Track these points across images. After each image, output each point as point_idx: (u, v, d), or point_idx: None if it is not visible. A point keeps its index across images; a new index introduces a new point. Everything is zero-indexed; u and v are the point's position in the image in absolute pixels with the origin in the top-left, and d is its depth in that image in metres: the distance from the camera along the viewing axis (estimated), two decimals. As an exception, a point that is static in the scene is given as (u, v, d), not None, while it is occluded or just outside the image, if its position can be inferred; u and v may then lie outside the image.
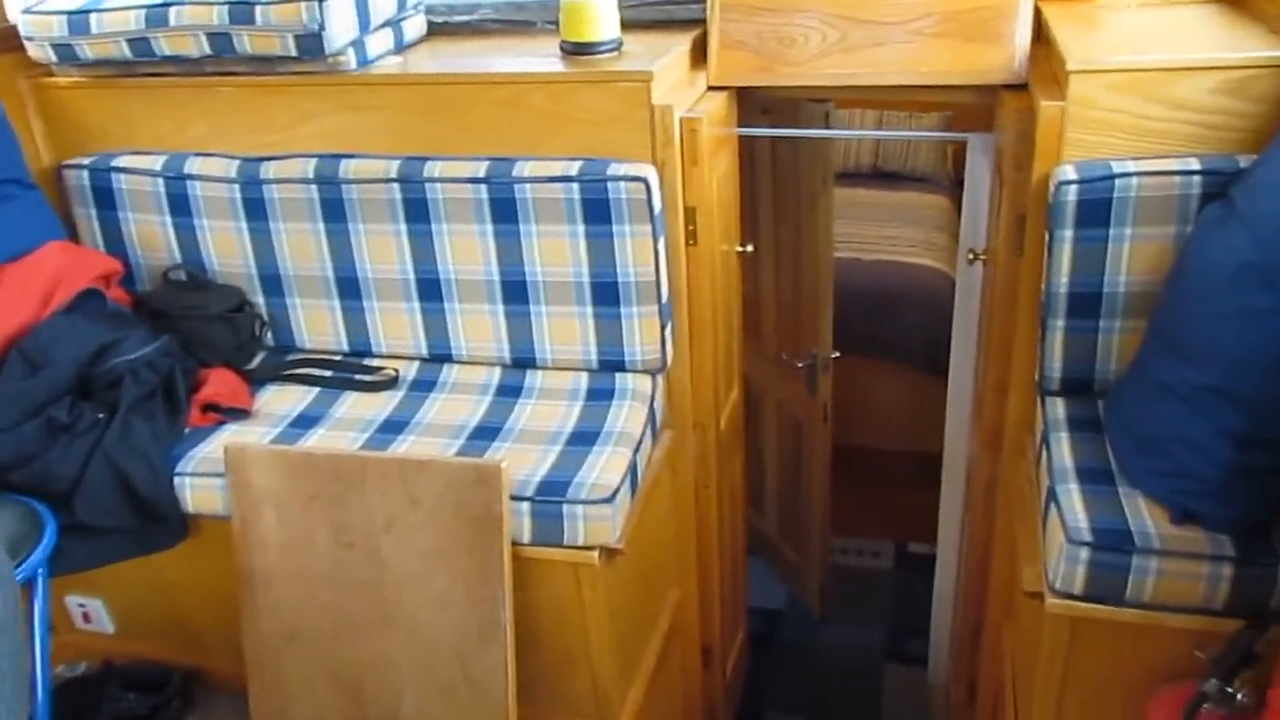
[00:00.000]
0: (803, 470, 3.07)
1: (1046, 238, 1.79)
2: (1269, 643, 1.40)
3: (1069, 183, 1.74)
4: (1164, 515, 1.57)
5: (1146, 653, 1.59)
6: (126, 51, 2.08)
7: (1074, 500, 1.62)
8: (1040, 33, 2.03)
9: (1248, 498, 1.52)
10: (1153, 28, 1.96)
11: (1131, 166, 1.72)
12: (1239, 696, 1.40)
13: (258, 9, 1.97)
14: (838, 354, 2.86)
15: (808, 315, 2.84)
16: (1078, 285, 1.79)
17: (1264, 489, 1.50)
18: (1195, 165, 1.70)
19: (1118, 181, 1.72)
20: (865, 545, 3.54)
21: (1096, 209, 1.73)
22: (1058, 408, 1.86)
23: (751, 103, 2.37)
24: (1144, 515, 1.57)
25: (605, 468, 1.83)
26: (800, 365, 2.87)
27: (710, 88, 2.15)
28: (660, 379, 2.11)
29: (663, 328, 2.04)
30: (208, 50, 2.05)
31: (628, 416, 1.98)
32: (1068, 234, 1.76)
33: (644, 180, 1.91)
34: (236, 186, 2.12)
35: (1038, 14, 2.05)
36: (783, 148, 2.73)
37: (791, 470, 3.13)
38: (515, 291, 2.07)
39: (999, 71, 2.00)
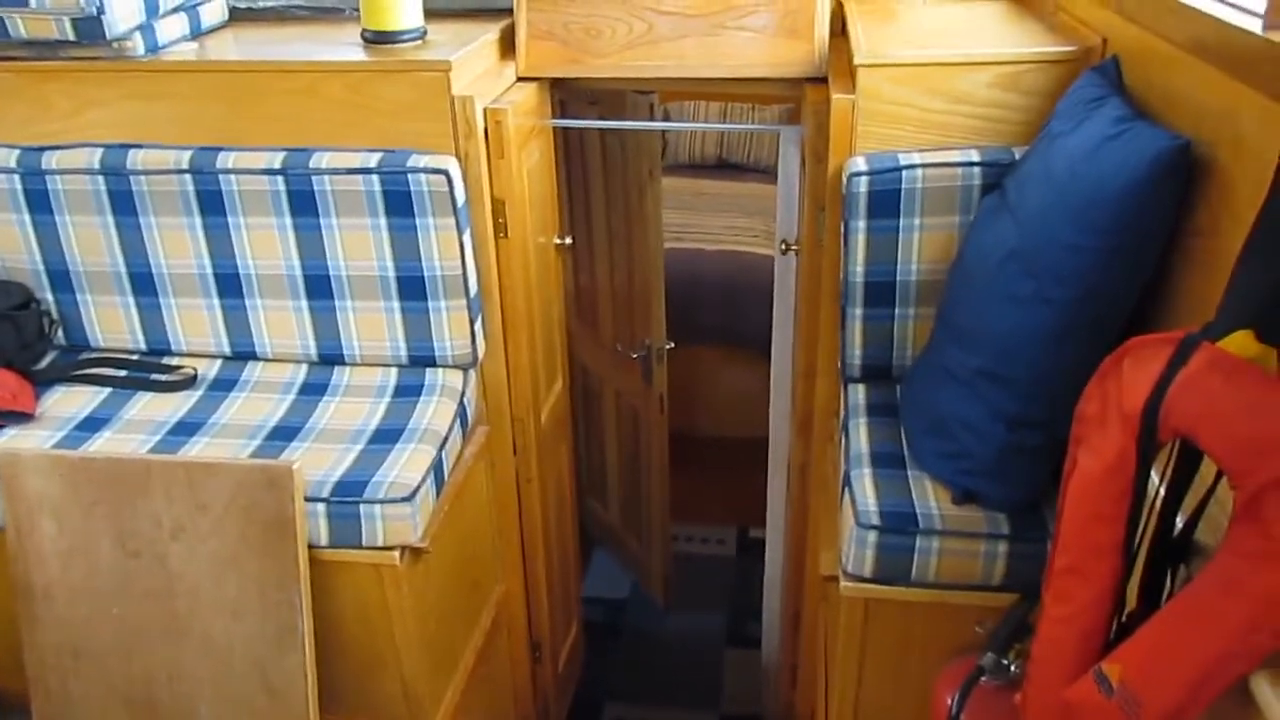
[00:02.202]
0: (642, 460, 3.08)
1: (842, 228, 1.83)
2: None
3: (860, 174, 1.78)
4: (947, 496, 1.62)
5: (935, 631, 1.64)
6: (-110, 36, 1.94)
7: (865, 485, 1.66)
8: (842, 26, 2.07)
9: (1021, 476, 1.58)
10: (943, 23, 2.02)
11: (917, 159, 1.77)
12: (1013, 669, 1.45)
13: (30, -10, 1.86)
14: (672, 344, 2.88)
15: (640, 306, 2.85)
16: (872, 274, 1.83)
17: (1036, 467, 1.56)
18: (975, 157, 1.76)
19: (905, 173, 1.76)
20: (710, 533, 3.59)
21: (886, 200, 1.78)
22: (859, 394, 1.91)
23: (577, 93, 2.36)
24: (929, 497, 1.62)
25: (406, 465, 1.79)
26: (635, 356, 2.87)
27: (520, 78, 2.13)
28: (473, 374, 2.09)
29: (472, 322, 2.01)
30: (-23, 34, 1.93)
31: (435, 412, 1.94)
32: (861, 224, 1.80)
33: (445, 172, 1.88)
34: (16, 177, 2.00)
35: (839, 8, 2.10)
36: (611, 139, 2.73)
37: (631, 460, 3.15)
38: (319, 286, 2.01)
39: (800, 65, 2.04)
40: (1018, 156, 1.72)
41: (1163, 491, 1.12)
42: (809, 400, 2.13)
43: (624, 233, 2.83)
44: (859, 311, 1.87)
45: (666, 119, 4.46)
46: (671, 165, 4.62)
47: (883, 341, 1.89)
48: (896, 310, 1.86)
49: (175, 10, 2.05)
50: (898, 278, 1.84)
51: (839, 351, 1.94)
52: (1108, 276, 1.39)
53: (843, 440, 1.83)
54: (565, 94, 2.35)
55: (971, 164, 1.75)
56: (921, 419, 1.72)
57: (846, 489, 1.68)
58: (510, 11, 2.14)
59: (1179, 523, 1.14)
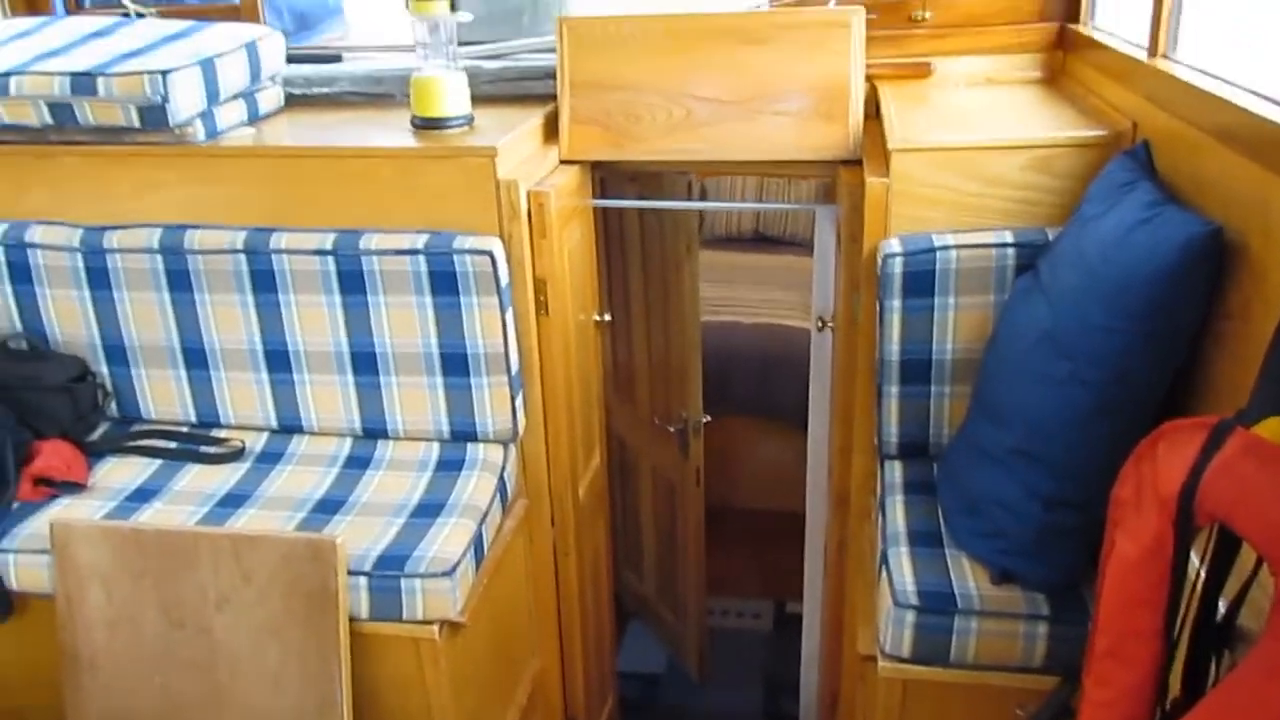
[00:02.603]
0: (678, 533, 3.08)
1: (878, 307, 1.86)
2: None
3: (894, 255, 1.81)
4: (985, 576, 1.62)
5: (974, 713, 1.63)
6: (-35, 121, 2.05)
7: (903, 563, 1.66)
8: (876, 109, 2.12)
9: (1060, 557, 1.57)
10: (976, 106, 2.07)
11: (951, 240, 1.80)
12: (1055, 753, 1.43)
13: (99, 80, 1.96)
14: (709, 418, 2.90)
15: (677, 379, 2.88)
16: (908, 353, 1.86)
17: (1075, 548, 1.56)
18: (1009, 238, 1.79)
19: (939, 254, 1.79)
20: (746, 606, 3.56)
21: (921, 280, 1.81)
22: (895, 471, 1.92)
23: (617, 172, 2.42)
24: (967, 576, 1.62)
25: (447, 540, 1.82)
26: (672, 429, 2.90)
27: (563, 161, 2.19)
28: (513, 448, 2.12)
29: (513, 398, 2.04)
30: (49, 120, 2.02)
31: (475, 487, 1.97)
32: (896, 304, 1.83)
33: (489, 253, 1.93)
34: (79, 255, 2.08)
35: (873, 91, 2.15)
36: (649, 216, 2.79)
37: (667, 533, 3.15)
38: (365, 362, 2.06)
39: (834, 148, 2.09)
40: (1051, 237, 1.75)
41: (1203, 575, 1.12)
42: (845, 477, 2.14)
43: (661, 307, 2.87)
44: (895, 389, 1.89)
45: (704, 194, 4.53)
46: (709, 238, 4.68)
47: (919, 419, 1.91)
48: (932, 388, 1.88)
49: (234, 97, 2.14)
50: (933, 356, 1.85)
51: (875, 428, 1.96)
52: (1141, 359, 1.40)
53: (880, 518, 1.84)
54: (605, 173, 2.41)
55: (1005, 245, 1.78)
56: (958, 497, 1.72)
57: (884, 567, 1.68)
58: (554, 97, 2.21)
59: (1221, 607, 1.13)
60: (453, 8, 2.05)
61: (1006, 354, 1.64)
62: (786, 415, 3.71)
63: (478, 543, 1.88)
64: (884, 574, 1.67)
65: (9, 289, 2.14)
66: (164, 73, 1.94)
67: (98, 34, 2.20)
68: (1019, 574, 1.60)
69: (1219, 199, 1.38)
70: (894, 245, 1.82)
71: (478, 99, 2.14)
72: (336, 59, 2.51)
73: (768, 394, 3.74)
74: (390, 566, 1.76)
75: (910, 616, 1.58)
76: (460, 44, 2.13)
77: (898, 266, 1.81)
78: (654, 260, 2.84)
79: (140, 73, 1.95)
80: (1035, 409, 1.54)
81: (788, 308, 4.06)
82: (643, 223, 2.84)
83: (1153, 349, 1.40)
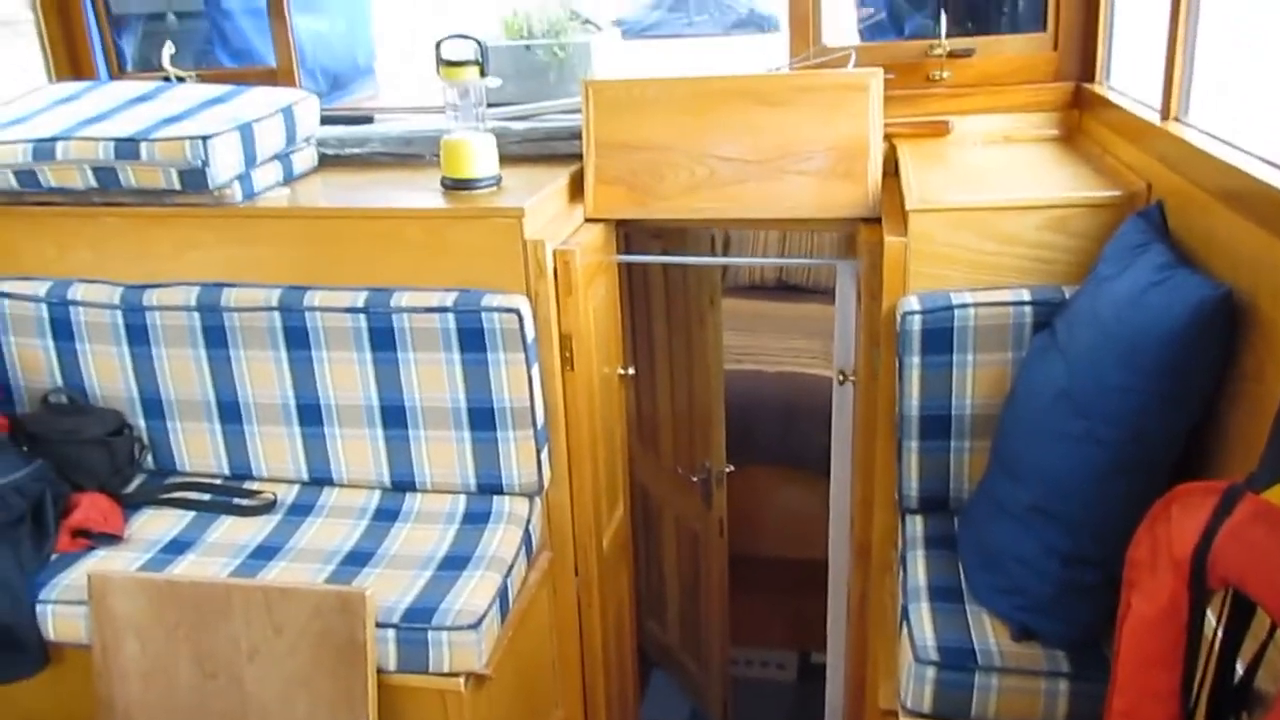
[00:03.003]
0: (701, 583, 3.09)
1: (897, 363, 1.89)
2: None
3: (913, 313, 1.84)
4: (1006, 632, 1.63)
5: (996, 768, 1.63)
6: (13, 182, 2.13)
7: (924, 618, 1.67)
8: (895, 165, 2.17)
9: (1080, 614, 1.58)
10: (993, 165, 2.10)
11: (969, 298, 1.83)
12: (1076, 812, 1.44)
13: (143, 145, 2.04)
14: (731, 468, 2.92)
15: (700, 430, 2.91)
16: (927, 408, 1.88)
17: (1094, 605, 1.57)
18: (1026, 296, 1.82)
19: (957, 312, 1.82)
20: (770, 656, 3.55)
21: (939, 337, 1.84)
22: (916, 525, 1.93)
23: (641, 227, 2.47)
24: (988, 632, 1.63)
25: (473, 593, 1.85)
26: (695, 479, 2.92)
27: (588, 219, 2.25)
28: (538, 501, 2.15)
29: (538, 451, 2.08)
30: (93, 183, 2.10)
31: (501, 540, 2.01)
32: (915, 360, 1.86)
33: (516, 311, 1.98)
34: (119, 313, 2.15)
35: (892, 150, 2.20)
36: (673, 269, 2.83)
37: (690, 583, 3.16)
38: (394, 416, 2.11)
39: (853, 207, 2.13)
40: (1067, 295, 1.77)
41: (1220, 636, 1.13)
42: (867, 530, 2.15)
43: (685, 358, 2.91)
44: (915, 444, 1.91)
45: (726, 244, 4.58)
46: (732, 286, 4.72)
47: (939, 474, 1.92)
48: (952, 443, 1.90)
49: (271, 159, 2.22)
50: (952, 411, 1.88)
51: (896, 482, 1.98)
52: (1156, 418, 1.42)
53: (901, 572, 1.85)
54: (629, 227, 2.46)
55: (1022, 303, 1.81)
56: (978, 553, 1.74)
57: (905, 622, 1.70)
58: (579, 156, 2.27)
59: (1239, 669, 1.15)
60: (482, 73, 2.11)
61: (1024, 411, 1.67)
62: (810, 464, 3.72)
63: (503, 595, 1.91)
64: (905, 629, 1.68)
65: (51, 345, 2.21)
66: (205, 138, 2.02)
67: (140, 99, 2.29)
68: (1039, 631, 1.60)
69: (1229, 261, 1.41)
70: (912, 303, 1.85)
71: (505, 158, 2.20)
72: (368, 120, 2.59)
73: (791, 442, 3.75)
74: (418, 619, 1.79)
75: (931, 672, 1.59)
76: (488, 104, 2.20)
77: (916, 324, 1.84)
78: (678, 312, 2.88)
79: (182, 138, 2.03)
80: (1052, 466, 1.56)
81: (810, 356, 4.09)
82: (666, 275, 2.89)
83: (1167, 409, 1.42)
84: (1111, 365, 1.46)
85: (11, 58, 2.61)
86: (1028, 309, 1.81)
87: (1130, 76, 2.13)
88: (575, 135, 2.30)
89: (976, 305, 1.82)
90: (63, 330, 2.19)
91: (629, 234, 2.57)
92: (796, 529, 3.82)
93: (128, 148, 2.04)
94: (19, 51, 2.64)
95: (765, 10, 4.77)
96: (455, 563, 1.94)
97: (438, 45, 2.13)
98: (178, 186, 2.06)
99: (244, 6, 3.09)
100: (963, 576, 1.77)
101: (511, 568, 1.97)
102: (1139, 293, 1.45)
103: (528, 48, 2.67)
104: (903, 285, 1.90)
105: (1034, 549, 1.59)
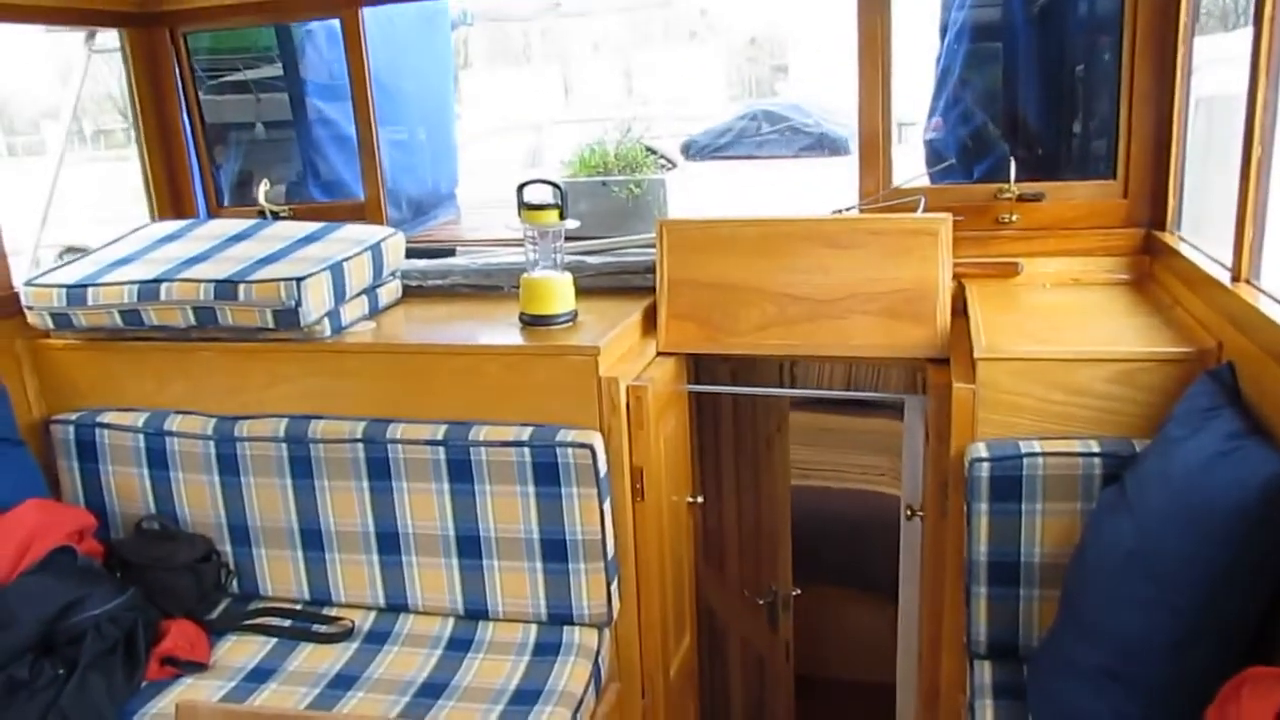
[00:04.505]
0: (766, 707, 3.07)
1: (965, 508, 1.90)
2: None
3: (981, 460, 1.86)
4: (1078, 794, 1.60)
5: None
6: (118, 320, 2.27)
7: (994, 774, 1.65)
8: (964, 304, 2.20)
9: (1153, 781, 1.55)
10: (1063, 309, 2.13)
11: (1038, 446, 1.84)
12: None
13: (241, 287, 2.16)
14: (799, 591, 2.93)
15: (767, 554, 2.93)
16: (995, 554, 1.88)
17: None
18: (1095, 448, 1.82)
19: (1025, 460, 1.84)
20: (837, 783, 3.49)
21: (1008, 485, 1.85)
22: (984, 672, 1.92)
23: (711, 355, 2.53)
24: (1060, 793, 1.61)
25: (544, 730, 1.88)
26: (762, 602, 2.93)
27: (660, 353, 2.31)
28: (607, 632, 2.18)
29: (608, 583, 2.12)
30: (193, 321, 2.23)
31: (571, 673, 2.03)
32: (983, 506, 1.87)
33: (590, 447, 2.04)
34: (212, 443, 2.26)
35: (960, 288, 2.23)
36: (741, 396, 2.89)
37: (755, 707, 3.14)
38: (469, 546, 2.17)
39: (922, 347, 2.17)
40: (1137, 448, 1.78)
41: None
42: (935, 673, 2.13)
43: (752, 482, 2.94)
44: (983, 590, 1.90)
45: (793, 369, 4.62)
46: (799, 401, 4.74)
47: (1008, 621, 1.91)
48: (1021, 590, 1.89)
49: (359, 294, 2.33)
50: (1021, 559, 1.87)
51: (965, 626, 1.97)
52: (1229, 588, 1.41)
53: (970, 721, 1.84)
54: (699, 356, 2.52)
55: (1092, 454, 1.82)
56: (1047, 710, 1.72)
57: (975, 778, 1.68)
58: (652, 289, 2.35)
59: None
60: (561, 216, 2.21)
61: (1093, 568, 1.66)
62: (878, 584, 3.69)
63: (572, 732, 1.93)
64: (975, 784, 1.67)
65: (146, 473, 2.32)
66: (298, 280, 2.13)
67: (237, 237, 2.43)
68: (1113, 795, 1.58)
69: (1302, 431, 1.41)
70: (981, 450, 1.87)
71: (581, 291, 2.28)
72: (450, 252, 2.70)
73: (858, 562, 3.72)
74: (489, 759, 1.82)
75: (1000, 832, 1.57)
76: (566, 239, 2.29)
77: (985, 471, 1.85)
78: (745, 437, 2.93)
79: (277, 280, 2.15)
80: (1123, 629, 1.54)
81: (879, 473, 4.08)
82: (735, 401, 2.94)
83: (1242, 578, 1.41)
84: (1182, 532, 1.45)
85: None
86: (1097, 460, 1.81)
87: (1201, 228, 2.14)
88: (649, 269, 2.38)
89: (1045, 455, 1.83)
90: (158, 460, 2.30)
91: (698, 358, 2.63)
92: (863, 649, 3.77)
93: (226, 289, 2.17)
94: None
95: (835, 133, 4.88)
96: (527, 697, 1.97)
97: (520, 189, 2.24)
98: (271, 325, 2.18)
99: (329, 134, 3.23)
100: (1034, 732, 1.74)
101: (581, 703, 1.99)
102: (1208, 461, 1.46)
103: (604, 183, 2.78)
104: (971, 431, 1.92)
105: (1104, 713, 1.57)
